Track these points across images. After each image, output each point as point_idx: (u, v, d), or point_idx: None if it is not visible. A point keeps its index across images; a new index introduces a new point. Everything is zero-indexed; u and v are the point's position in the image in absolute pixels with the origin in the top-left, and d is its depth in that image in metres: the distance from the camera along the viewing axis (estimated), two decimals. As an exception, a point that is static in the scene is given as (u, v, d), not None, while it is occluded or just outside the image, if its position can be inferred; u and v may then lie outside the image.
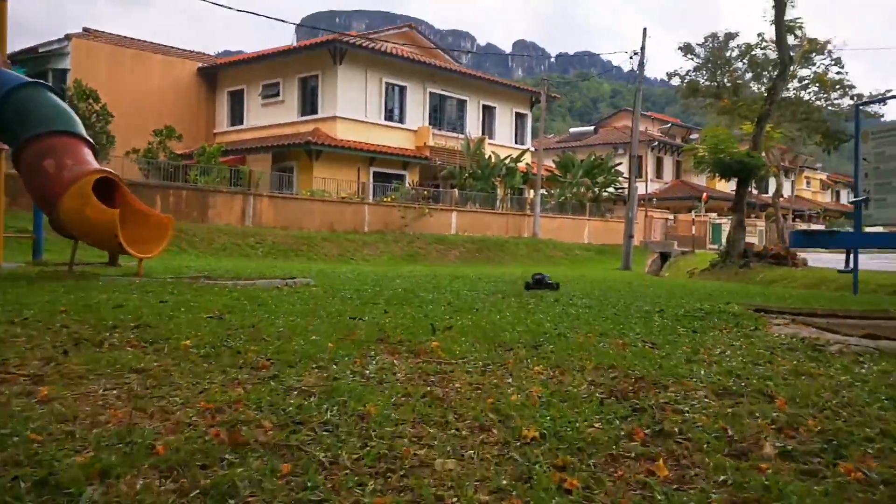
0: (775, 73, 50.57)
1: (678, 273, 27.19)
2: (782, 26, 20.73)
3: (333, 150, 31.76)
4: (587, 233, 38.86)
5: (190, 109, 36.31)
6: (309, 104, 34.36)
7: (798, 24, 20.76)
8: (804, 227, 58.95)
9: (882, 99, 50.53)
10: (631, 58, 28.04)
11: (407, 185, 32.68)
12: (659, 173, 58.28)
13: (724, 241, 48.50)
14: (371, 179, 32.97)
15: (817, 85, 47.43)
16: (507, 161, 35.95)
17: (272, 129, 34.56)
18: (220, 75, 37.52)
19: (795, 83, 49.34)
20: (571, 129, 69.36)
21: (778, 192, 55.93)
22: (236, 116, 37.13)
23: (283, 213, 26.70)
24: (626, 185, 44.80)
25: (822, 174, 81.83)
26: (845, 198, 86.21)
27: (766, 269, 20.86)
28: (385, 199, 30.12)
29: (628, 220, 28.93)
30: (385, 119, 35.08)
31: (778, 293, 13.49)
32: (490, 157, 35.56)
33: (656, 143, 56.72)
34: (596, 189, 40.90)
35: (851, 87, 50.37)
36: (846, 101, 52.42)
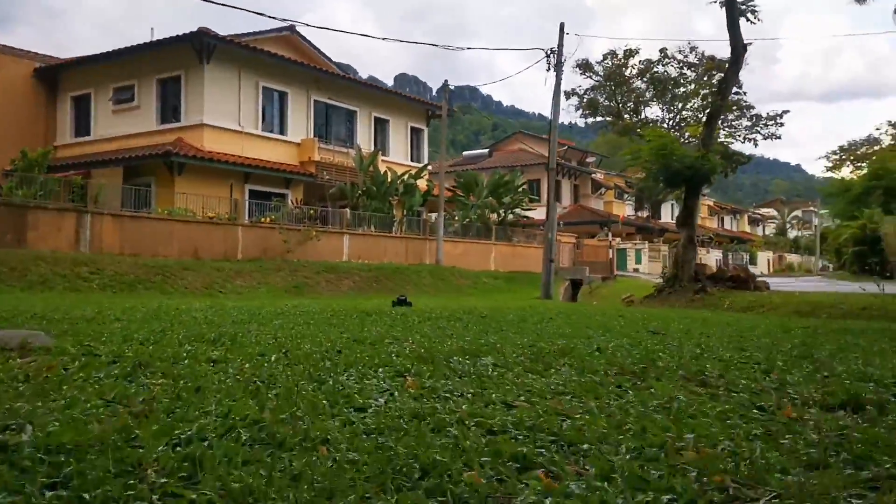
0: (678, 89, 49.44)
1: (607, 302, 23.61)
2: (734, 8, 17.73)
3: (200, 162, 26.56)
4: (494, 258, 35.07)
5: (23, 118, 30.15)
6: (170, 110, 28.99)
7: (751, 7, 17.77)
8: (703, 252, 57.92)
9: (778, 117, 50.14)
10: (548, 56, 24.54)
11: (290, 203, 27.80)
12: (557, 197, 55.65)
13: (629, 267, 46.26)
14: (246, 198, 27.92)
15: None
16: (405, 178, 31.71)
17: (125, 140, 28.90)
18: (61, 78, 31.53)
19: (698, 101, 48.17)
20: (465, 153, 66.21)
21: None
22: (81, 126, 31.15)
23: (131, 236, 21.31)
24: (532, 207, 41.57)
25: (709, 200, 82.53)
26: (729, 224, 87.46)
27: (727, 294, 17.46)
28: (263, 220, 25.19)
29: (548, 243, 25.26)
30: (263, 129, 30.16)
31: (804, 325, 9.77)
32: (386, 173, 31.22)
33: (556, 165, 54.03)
34: (502, 211, 37.29)
35: (750, 107, 49.84)
36: (744, 122, 52.15)
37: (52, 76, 31.40)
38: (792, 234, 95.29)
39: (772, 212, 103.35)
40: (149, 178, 26.55)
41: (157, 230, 22.01)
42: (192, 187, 25.32)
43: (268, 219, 25.21)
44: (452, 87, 31.92)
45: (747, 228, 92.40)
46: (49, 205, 19.74)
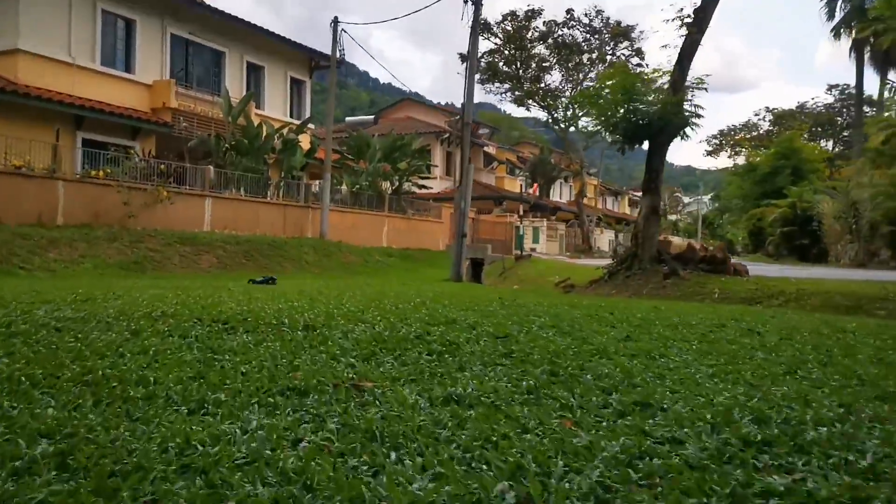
0: (583, 55, 45.92)
1: (532, 287, 19.38)
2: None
3: (10, 98, 20.20)
4: (386, 233, 30.28)
5: None
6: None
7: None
8: (598, 232, 55.36)
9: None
10: (466, 1, 20.00)
11: (136, 158, 21.84)
12: (448, 170, 51.33)
13: (524, 246, 42.61)
14: (80, 148, 21.75)
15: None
16: (284, 133, 26.29)
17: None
18: None
19: (601, 69, 44.86)
20: (348, 118, 60.67)
21: (581, 193, 51.57)
22: None
23: None
24: (428, 176, 37.02)
25: (595, 179, 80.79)
26: (611, 205, 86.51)
27: (705, 279, 13.55)
28: (96, 174, 19.25)
29: (461, 214, 20.82)
30: (102, 64, 23.91)
31: None
32: (260, 125, 25.68)
33: (447, 135, 49.59)
34: (396, 178, 32.45)
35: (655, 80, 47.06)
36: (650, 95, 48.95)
37: None
38: (672, 217, 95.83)
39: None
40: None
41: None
42: (1, 131, 18.99)
43: (102, 172, 19.28)
44: (343, 31, 26.52)
45: (627, 210, 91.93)
46: None
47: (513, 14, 45.35)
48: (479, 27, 24.18)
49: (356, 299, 7.80)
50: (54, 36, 22.32)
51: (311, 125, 30.82)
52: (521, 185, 56.44)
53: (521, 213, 44.53)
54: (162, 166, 20.81)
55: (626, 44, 43.82)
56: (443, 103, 79.19)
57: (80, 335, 4.39)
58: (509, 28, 45.57)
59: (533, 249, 42.21)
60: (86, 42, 23.29)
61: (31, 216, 17.44)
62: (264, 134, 25.12)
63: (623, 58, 44.68)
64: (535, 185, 47.00)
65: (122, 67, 24.72)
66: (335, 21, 26.52)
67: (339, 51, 26.02)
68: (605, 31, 44.04)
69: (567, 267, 23.30)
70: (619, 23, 43.42)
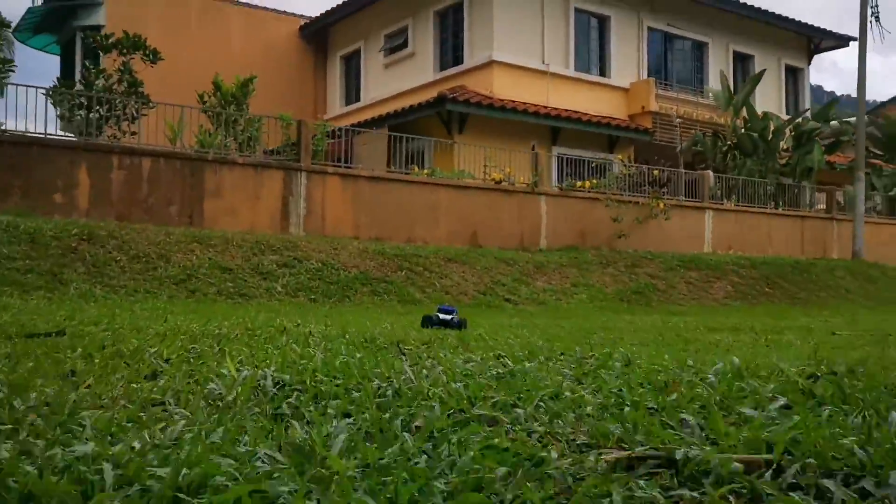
0: None
1: None
2: None
3: (487, 112, 18.39)
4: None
5: (289, 83, 24.46)
6: (450, 51, 21.31)
7: None
8: None
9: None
10: None
11: (626, 164, 18.26)
12: None
13: None
14: (554, 165, 19.12)
15: None
16: (797, 125, 20.56)
17: (398, 99, 21.74)
18: (331, 34, 25.59)
19: None
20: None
21: None
22: (351, 90, 24.93)
23: (370, 208, 13.55)
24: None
25: None
26: None
27: None
28: (581, 185, 16.07)
29: None
30: (577, 69, 21.21)
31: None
32: (765, 117, 20.34)
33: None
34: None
35: None
36: None
37: (320, 34, 25.59)
38: None
39: None
40: (422, 143, 18.83)
41: (410, 201, 14.00)
42: (478, 152, 16.98)
43: (587, 184, 16.00)
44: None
45: None
46: (238, 157, 12.51)
47: None
48: None
49: None
50: (527, 44, 20.22)
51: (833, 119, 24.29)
52: None
53: None
54: (656, 171, 16.82)
55: None
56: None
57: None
58: None
59: None
60: (559, 47, 20.82)
61: (511, 238, 14.81)
62: (771, 128, 19.71)
63: None
64: None
65: (595, 71, 21.77)
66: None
67: (872, 9, 19.44)
68: None
69: None
70: None
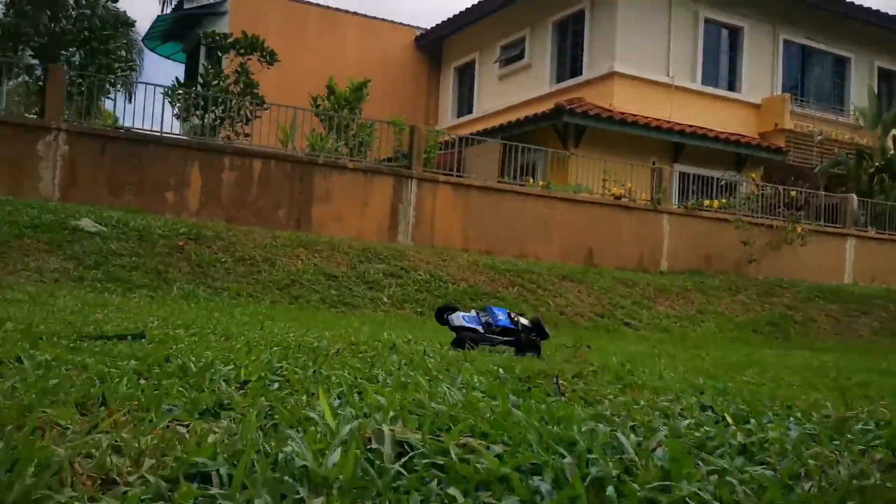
0: None
1: None
2: None
3: (606, 125, 17.46)
4: None
5: (404, 93, 24.23)
6: (568, 62, 20.50)
7: None
8: None
9: None
10: None
11: (745, 187, 16.95)
12: None
13: None
14: (676, 182, 17.91)
15: None
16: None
17: (512, 111, 21.05)
18: (446, 45, 25.25)
19: None
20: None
21: None
22: (464, 102, 24.47)
23: (480, 220, 12.89)
24: None
25: None
26: None
27: None
28: (709, 204, 14.87)
29: None
30: (704, 83, 19.94)
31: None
32: (915, 138, 18.50)
33: None
34: None
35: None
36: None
37: (434, 45, 25.29)
38: None
39: None
40: (536, 155, 18.01)
41: (523, 214, 13.23)
42: (596, 165, 16.04)
43: (715, 202, 14.80)
44: None
45: None
46: (349, 162, 12.09)
47: None
48: None
49: None
50: (651, 55, 19.15)
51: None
52: None
53: None
54: (793, 192, 15.41)
55: None
56: None
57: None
58: None
59: None
60: (685, 59, 19.63)
61: (630, 258, 13.81)
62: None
63: None
64: None
65: (724, 85, 20.41)
66: None
67: None
68: None
69: None
70: None
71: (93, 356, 2.17)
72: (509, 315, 4.13)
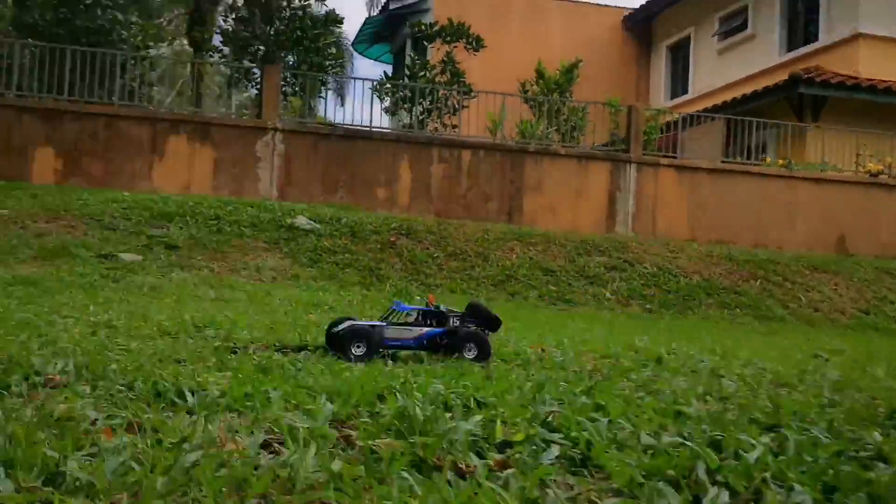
0: None
1: None
2: None
3: (851, 94, 15.26)
4: None
5: (611, 75, 22.99)
6: (799, 29, 18.31)
7: None
8: None
9: None
10: None
11: None
12: None
13: None
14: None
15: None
16: None
17: (733, 88, 19.18)
18: (656, 23, 23.69)
19: None
20: None
21: None
22: (677, 82, 22.79)
23: (708, 206, 11.58)
24: None
25: None
26: None
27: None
28: None
29: None
30: (970, 39, 16.95)
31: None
32: None
33: None
34: None
35: None
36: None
37: (643, 24, 23.80)
38: None
39: None
40: (764, 134, 16.12)
41: (759, 198, 11.71)
42: (845, 139, 13.99)
43: None
44: None
45: None
46: (560, 148, 11.26)
47: None
48: None
49: None
50: (903, 12, 16.54)
51: None
52: None
53: None
54: None
55: None
56: None
57: None
58: None
59: None
60: (947, 13, 16.77)
61: (892, 245, 11.82)
62: None
63: None
64: None
65: None
66: None
67: None
68: None
69: None
70: None
71: (277, 384, 1.59)
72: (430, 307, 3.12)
